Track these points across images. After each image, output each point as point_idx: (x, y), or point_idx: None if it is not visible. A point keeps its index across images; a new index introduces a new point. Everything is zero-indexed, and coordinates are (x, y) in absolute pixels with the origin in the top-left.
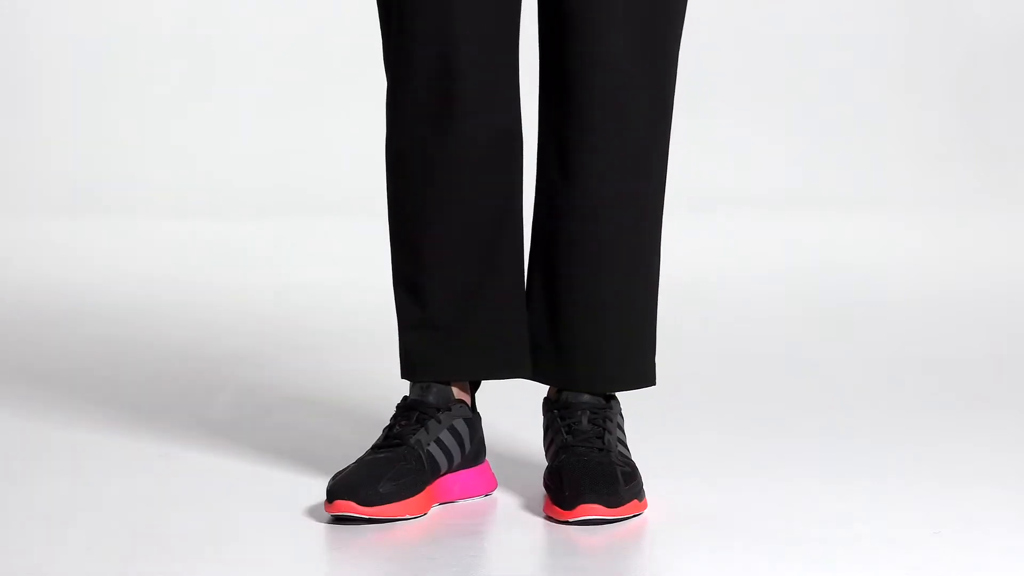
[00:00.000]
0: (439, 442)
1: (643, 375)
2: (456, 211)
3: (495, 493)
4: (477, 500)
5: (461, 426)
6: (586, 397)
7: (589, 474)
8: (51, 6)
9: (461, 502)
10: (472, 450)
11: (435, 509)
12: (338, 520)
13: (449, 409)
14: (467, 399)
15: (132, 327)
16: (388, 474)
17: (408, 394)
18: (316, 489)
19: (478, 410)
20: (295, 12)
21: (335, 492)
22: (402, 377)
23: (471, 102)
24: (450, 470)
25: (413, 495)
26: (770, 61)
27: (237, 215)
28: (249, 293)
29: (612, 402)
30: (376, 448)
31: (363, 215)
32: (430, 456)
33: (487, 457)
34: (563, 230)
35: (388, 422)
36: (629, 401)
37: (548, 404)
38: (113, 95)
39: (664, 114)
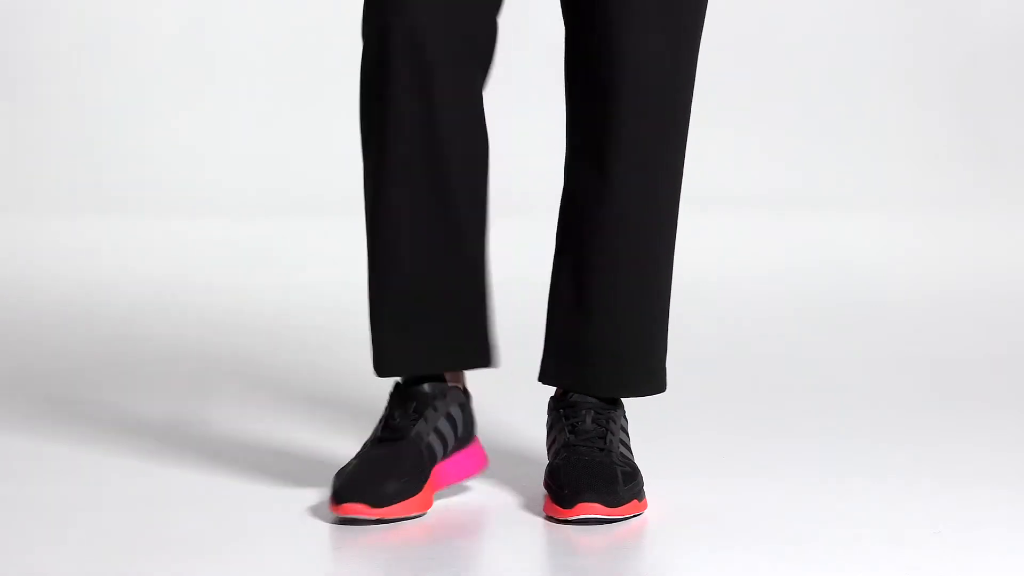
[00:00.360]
0: (436, 431)
1: (655, 382)
2: (417, 211)
3: (495, 493)
4: (477, 498)
5: (456, 411)
6: (592, 398)
7: (588, 473)
8: (51, 5)
9: (459, 501)
10: (464, 432)
11: (436, 507)
12: (344, 521)
13: (444, 396)
14: (459, 382)
15: (134, 327)
16: (393, 472)
17: (400, 381)
18: (316, 489)
19: (468, 390)
20: (295, 12)
21: (343, 494)
22: (377, 375)
23: (403, 114)
24: (444, 456)
25: (418, 492)
26: (770, 61)
27: (237, 215)
28: (250, 293)
29: (617, 403)
30: (377, 441)
31: (363, 215)
32: (430, 448)
33: (476, 433)
34: (593, 233)
35: (384, 410)
36: (629, 402)
37: (554, 403)
38: (113, 95)
39: (686, 112)
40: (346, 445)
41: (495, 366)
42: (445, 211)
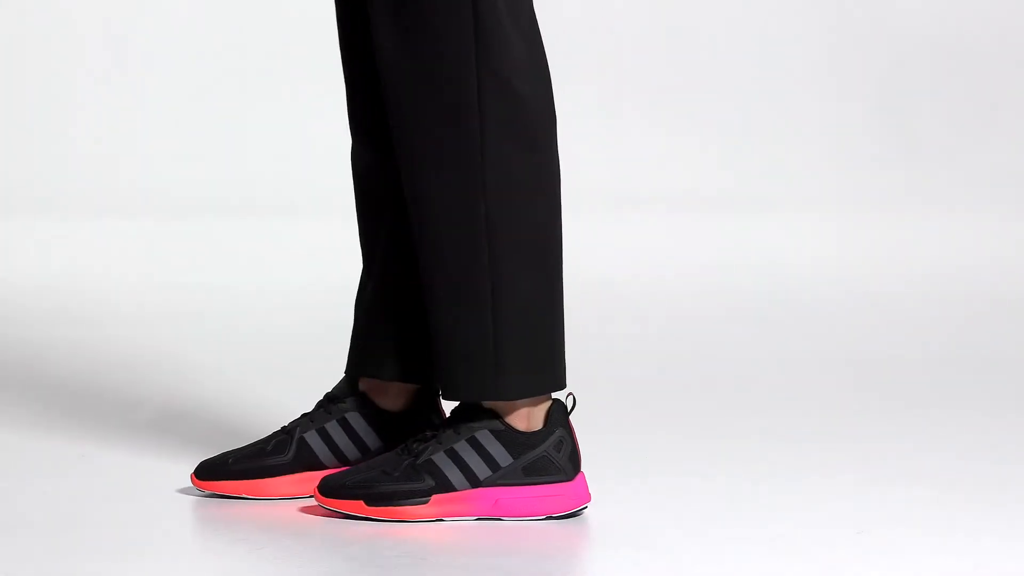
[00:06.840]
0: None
1: (478, 388)
2: (361, 225)
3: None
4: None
5: (355, 419)
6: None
7: (364, 468)
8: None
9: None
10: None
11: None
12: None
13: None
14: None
15: (138, 329)
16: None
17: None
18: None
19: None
20: (294, 10)
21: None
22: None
23: (353, 126)
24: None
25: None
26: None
27: (233, 214)
28: (245, 291)
29: (481, 414)
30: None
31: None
32: None
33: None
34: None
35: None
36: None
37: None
38: (113, 94)
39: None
40: None
41: None
42: None
